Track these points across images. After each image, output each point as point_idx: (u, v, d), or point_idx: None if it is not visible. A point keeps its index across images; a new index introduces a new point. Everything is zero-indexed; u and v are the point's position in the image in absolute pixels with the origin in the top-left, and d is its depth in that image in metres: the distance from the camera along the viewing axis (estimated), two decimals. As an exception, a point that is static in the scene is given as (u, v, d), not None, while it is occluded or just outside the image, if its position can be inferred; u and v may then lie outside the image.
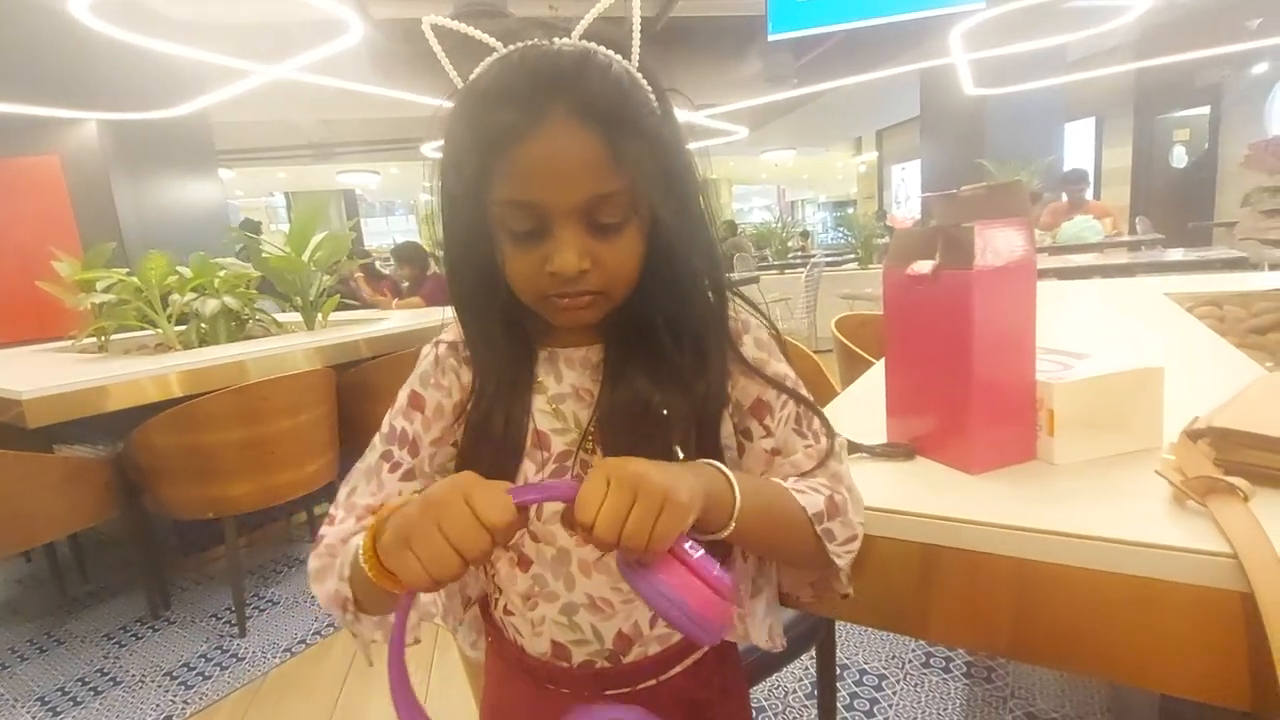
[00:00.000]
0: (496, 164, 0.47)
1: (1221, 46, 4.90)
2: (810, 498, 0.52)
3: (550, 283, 0.49)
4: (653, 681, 0.58)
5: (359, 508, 0.56)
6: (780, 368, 0.57)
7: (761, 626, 0.58)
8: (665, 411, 0.52)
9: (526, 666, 0.59)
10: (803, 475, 0.55)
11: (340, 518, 0.56)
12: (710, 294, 0.55)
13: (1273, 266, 2.31)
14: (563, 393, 0.56)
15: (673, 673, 0.58)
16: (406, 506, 0.42)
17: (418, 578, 0.39)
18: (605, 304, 0.52)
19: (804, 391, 0.57)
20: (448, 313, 0.59)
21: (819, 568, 0.56)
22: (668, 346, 0.53)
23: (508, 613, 0.59)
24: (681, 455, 0.51)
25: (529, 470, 0.55)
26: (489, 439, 0.55)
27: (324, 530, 0.55)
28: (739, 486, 0.47)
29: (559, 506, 0.54)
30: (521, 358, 0.56)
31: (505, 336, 0.55)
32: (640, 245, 0.51)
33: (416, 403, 0.58)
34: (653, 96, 0.49)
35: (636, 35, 0.50)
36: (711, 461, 0.49)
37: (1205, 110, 6.77)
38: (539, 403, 0.56)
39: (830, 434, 0.56)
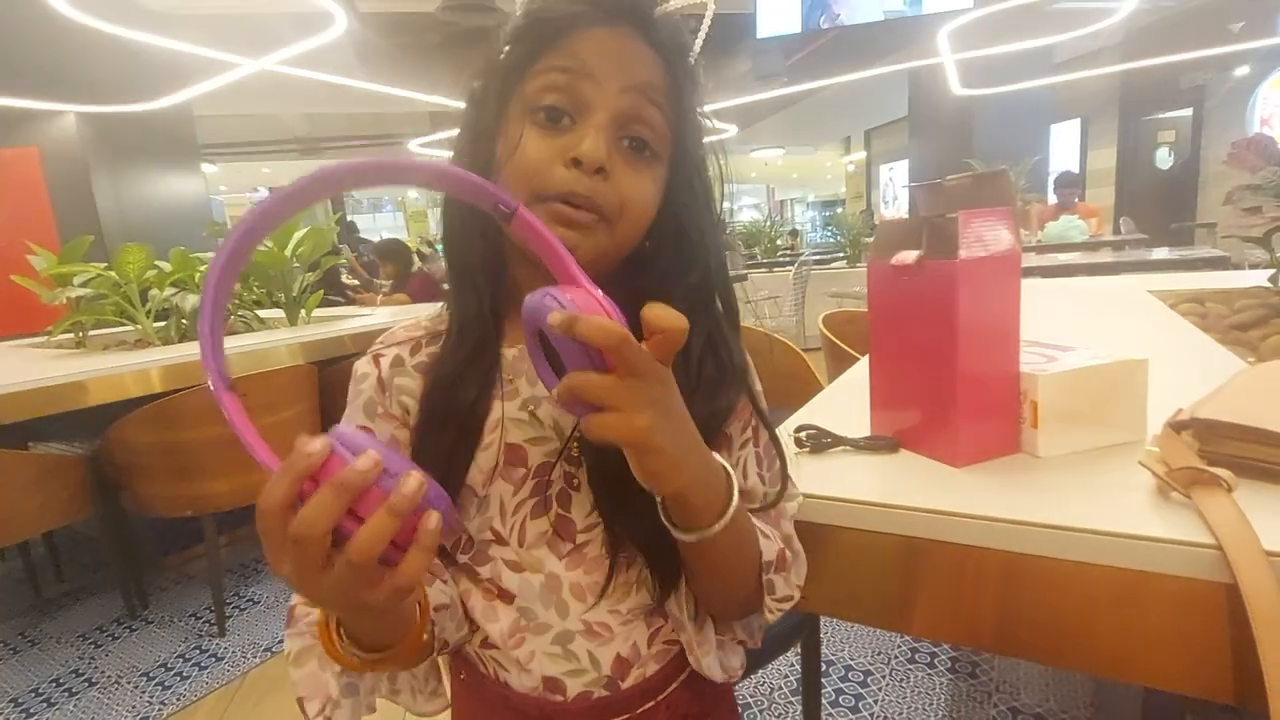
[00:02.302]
0: (551, 42, 0.46)
1: (1205, 49, 4.95)
2: (767, 544, 0.50)
3: (563, 179, 0.45)
4: (651, 703, 0.54)
5: None
6: (751, 403, 0.53)
7: (713, 658, 0.54)
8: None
9: (512, 705, 0.52)
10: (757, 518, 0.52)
11: None
12: (714, 284, 0.52)
13: (1253, 265, 2.33)
14: (538, 395, 0.51)
15: (670, 690, 0.55)
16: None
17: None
18: (602, 238, 0.47)
19: (764, 425, 0.54)
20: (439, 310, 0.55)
21: (748, 614, 0.54)
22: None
23: (486, 647, 0.53)
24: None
25: (505, 492, 0.50)
26: (454, 412, 0.49)
27: (305, 607, 0.48)
28: (735, 498, 0.44)
29: (542, 529, 0.50)
30: (497, 326, 0.51)
31: (490, 294, 0.50)
32: (656, 197, 0.49)
33: None
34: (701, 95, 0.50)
35: (702, 33, 0.51)
36: (724, 463, 0.45)
37: (1188, 112, 6.84)
38: (510, 410, 0.50)
39: (784, 485, 0.53)
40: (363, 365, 0.54)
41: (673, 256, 0.50)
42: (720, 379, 0.50)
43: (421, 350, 0.53)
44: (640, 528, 0.48)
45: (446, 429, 0.49)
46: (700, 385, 0.49)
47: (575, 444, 0.50)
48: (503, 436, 0.50)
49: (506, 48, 0.48)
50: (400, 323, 0.57)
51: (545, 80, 0.46)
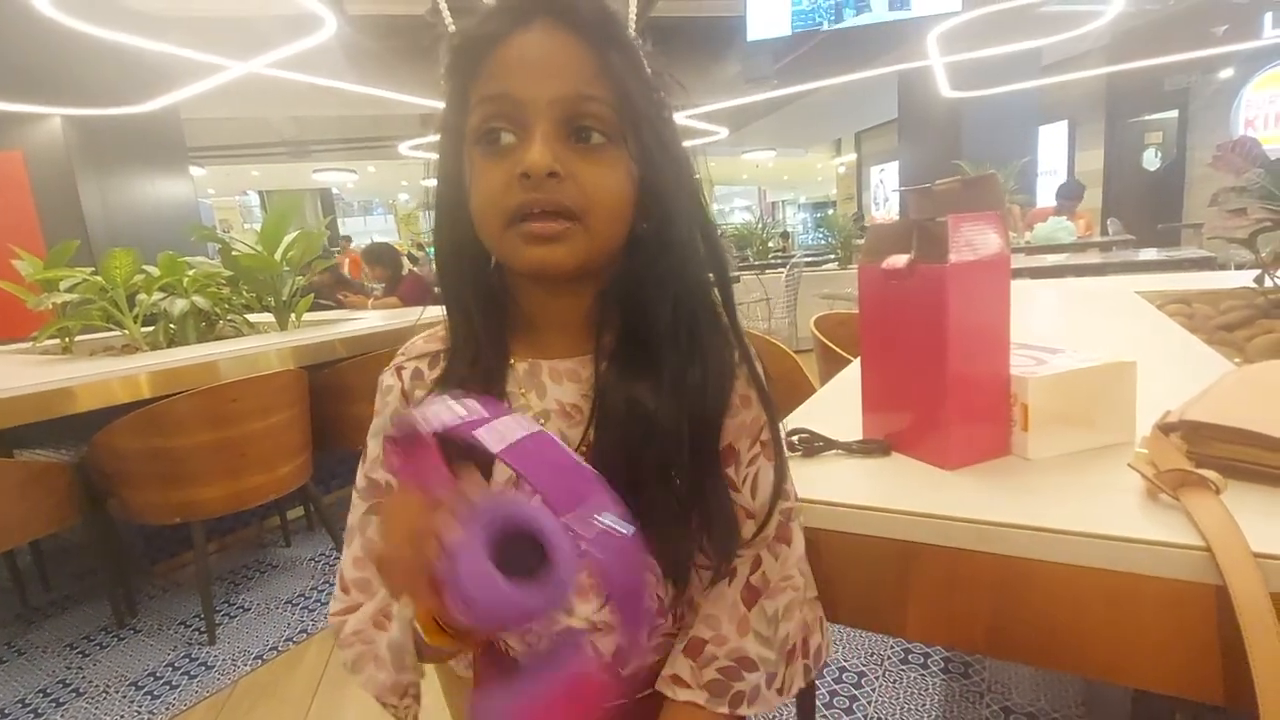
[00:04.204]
0: (477, 69, 0.46)
1: (1189, 52, 5.01)
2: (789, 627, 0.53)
3: (519, 193, 0.45)
4: (649, 690, 0.55)
5: (374, 584, 0.54)
6: (764, 414, 0.54)
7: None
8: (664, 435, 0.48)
9: None
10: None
11: (351, 600, 0.54)
12: (710, 278, 0.51)
13: (1238, 266, 2.36)
14: (547, 409, 0.52)
15: None
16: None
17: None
18: (580, 240, 0.46)
19: (780, 448, 0.54)
20: (429, 313, 0.56)
21: None
22: (668, 351, 0.49)
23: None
24: (678, 481, 0.49)
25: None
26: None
27: (342, 618, 0.54)
28: None
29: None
30: (499, 344, 0.52)
31: (484, 319, 0.51)
32: (625, 181, 0.47)
33: None
34: (645, 61, 0.48)
35: (633, 9, 0.49)
36: None
37: (1174, 114, 6.92)
38: None
39: (771, 513, 0.53)
40: (387, 378, 0.55)
41: (657, 234, 0.49)
42: (704, 346, 0.50)
43: (439, 363, 0.54)
44: (652, 531, 0.49)
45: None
46: (690, 354, 0.49)
47: (582, 457, 0.50)
48: None
49: (445, 85, 0.49)
50: (422, 332, 0.58)
51: (480, 114, 0.46)
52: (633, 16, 0.45)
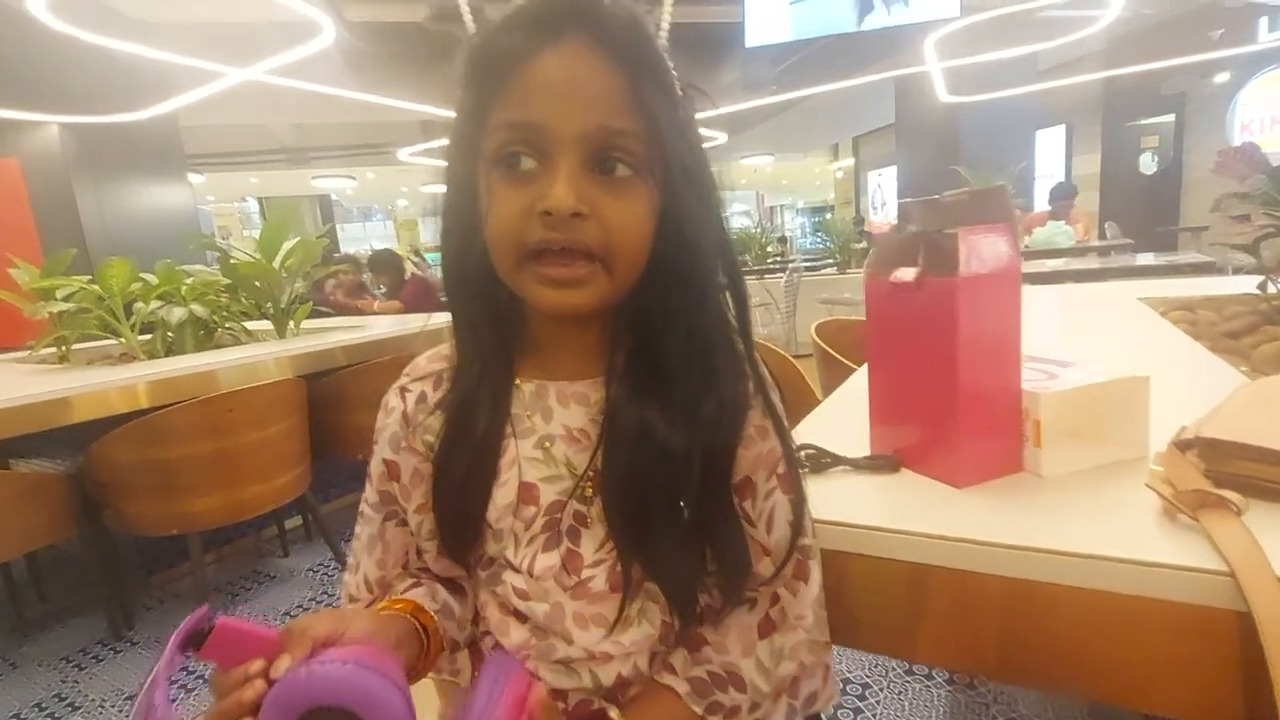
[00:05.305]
0: (500, 87, 0.43)
1: (1186, 56, 5.02)
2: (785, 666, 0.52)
3: (539, 229, 0.42)
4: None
5: (397, 588, 0.55)
6: (781, 446, 0.52)
7: None
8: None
9: None
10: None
11: (374, 599, 0.55)
12: (727, 304, 0.49)
13: (1237, 270, 2.36)
14: (553, 434, 0.50)
15: None
16: None
17: None
18: (601, 283, 0.44)
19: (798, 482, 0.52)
20: (432, 319, 0.56)
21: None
22: (681, 380, 0.47)
23: (499, 650, 0.55)
24: (687, 513, 0.48)
25: (518, 527, 0.50)
26: (468, 440, 0.49)
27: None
28: None
29: (551, 561, 0.50)
30: (505, 363, 0.51)
31: (491, 337, 0.50)
32: (648, 217, 0.45)
33: (393, 472, 0.53)
34: (674, 72, 0.46)
35: (666, 20, 0.48)
36: None
37: (1170, 118, 6.94)
38: (525, 448, 0.50)
39: (790, 554, 0.51)
40: (391, 398, 0.55)
41: (677, 260, 0.47)
42: (718, 375, 0.48)
43: (443, 384, 0.53)
44: (658, 562, 0.48)
45: (461, 456, 0.49)
46: (704, 385, 0.47)
47: (588, 483, 0.49)
48: (519, 475, 0.50)
49: (460, 92, 0.46)
50: (427, 352, 0.57)
51: (500, 138, 0.43)
52: (665, 28, 0.42)
